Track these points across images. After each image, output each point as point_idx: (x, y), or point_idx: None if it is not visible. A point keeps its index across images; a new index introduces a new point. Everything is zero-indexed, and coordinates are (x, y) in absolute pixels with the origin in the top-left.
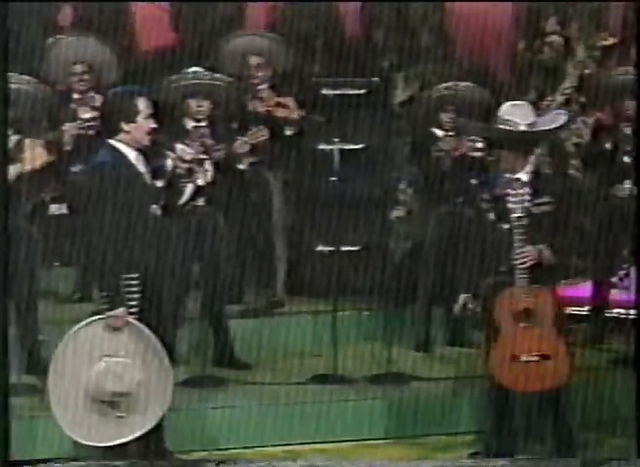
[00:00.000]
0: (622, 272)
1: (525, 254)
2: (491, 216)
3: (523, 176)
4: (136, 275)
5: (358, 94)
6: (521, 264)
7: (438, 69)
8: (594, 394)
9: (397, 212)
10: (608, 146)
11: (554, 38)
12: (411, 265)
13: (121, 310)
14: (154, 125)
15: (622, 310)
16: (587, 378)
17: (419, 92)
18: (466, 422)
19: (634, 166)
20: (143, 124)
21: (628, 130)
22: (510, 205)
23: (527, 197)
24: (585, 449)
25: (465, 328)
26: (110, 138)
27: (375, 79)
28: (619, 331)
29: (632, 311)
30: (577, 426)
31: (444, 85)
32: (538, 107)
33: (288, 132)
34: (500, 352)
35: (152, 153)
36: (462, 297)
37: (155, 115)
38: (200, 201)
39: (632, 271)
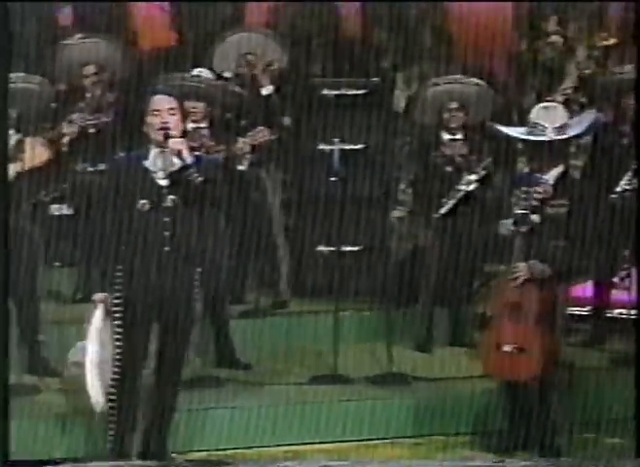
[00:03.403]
0: (622, 273)
1: (518, 270)
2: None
3: (550, 179)
4: (121, 268)
5: (358, 94)
6: (514, 279)
7: (438, 69)
8: (594, 394)
9: (397, 212)
10: (608, 145)
11: (555, 38)
12: (412, 265)
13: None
14: (162, 120)
15: (622, 311)
16: (588, 378)
17: (420, 88)
18: (466, 422)
19: (634, 166)
20: (150, 121)
21: (628, 129)
22: (519, 203)
23: (536, 196)
24: (585, 449)
25: (466, 328)
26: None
27: (375, 79)
28: (619, 331)
29: (633, 312)
30: (565, 427)
31: (446, 78)
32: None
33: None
34: (486, 340)
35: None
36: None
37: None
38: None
39: (633, 272)
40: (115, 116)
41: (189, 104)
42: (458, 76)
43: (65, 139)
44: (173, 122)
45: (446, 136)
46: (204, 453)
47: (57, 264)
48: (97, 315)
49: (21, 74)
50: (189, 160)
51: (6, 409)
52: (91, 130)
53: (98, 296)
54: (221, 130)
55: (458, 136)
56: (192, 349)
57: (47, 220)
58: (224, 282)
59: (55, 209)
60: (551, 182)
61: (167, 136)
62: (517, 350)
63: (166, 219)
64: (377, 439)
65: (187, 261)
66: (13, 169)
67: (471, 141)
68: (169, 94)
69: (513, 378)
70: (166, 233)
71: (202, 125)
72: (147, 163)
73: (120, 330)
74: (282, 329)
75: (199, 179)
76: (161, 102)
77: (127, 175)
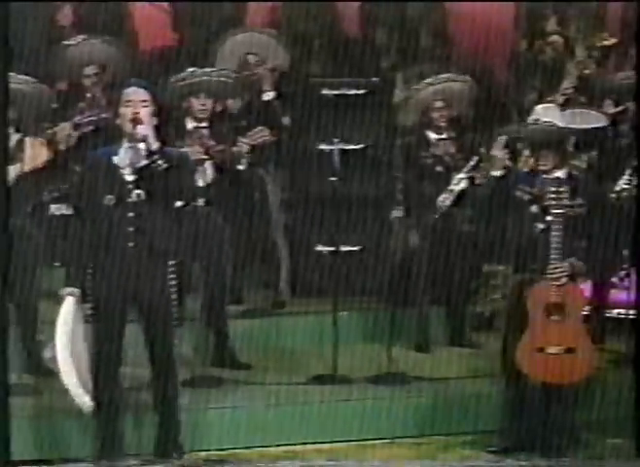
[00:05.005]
0: (622, 272)
1: (559, 269)
2: (533, 209)
3: (561, 174)
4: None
5: (358, 94)
6: (555, 279)
7: (438, 69)
8: (594, 394)
9: (397, 212)
10: (608, 145)
11: (555, 38)
12: (411, 265)
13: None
14: (134, 111)
15: (622, 310)
16: (587, 378)
17: (409, 88)
18: (466, 422)
19: (635, 166)
20: (123, 112)
21: (628, 130)
22: (551, 202)
23: (567, 196)
24: (585, 449)
25: (465, 328)
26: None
27: (375, 79)
28: (619, 331)
29: (632, 311)
30: (581, 425)
31: (435, 78)
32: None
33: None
34: (528, 343)
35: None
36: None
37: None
38: (200, 202)
39: (632, 272)
40: (115, 116)
41: (197, 102)
42: (446, 75)
43: (65, 139)
44: (144, 112)
45: (434, 136)
46: (204, 453)
47: (57, 264)
48: (66, 309)
49: (22, 75)
50: (154, 146)
51: (6, 409)
52: (91, 130)
53: (66, 290)
54: (221, 130)
55: (445, 135)
56: (191, 349)
57: (47, 220)
58: (223, 282)
59: (55, 209)
60: (563, 177)
61: (137, 124)
62: (566, 351)
63: (131, 214)
64: (377, 439)
65: (154, 255)
66: (13, 170)
67: (459, 139)
68: (144, 87)
69: (562, 381)
70: (130, 229)
71: (203, 124)
72: (116, 160)
73: (93, 326)
74: (281, 329)
75: (164, 166)
76: (135, 94)
77: (98, 172)
